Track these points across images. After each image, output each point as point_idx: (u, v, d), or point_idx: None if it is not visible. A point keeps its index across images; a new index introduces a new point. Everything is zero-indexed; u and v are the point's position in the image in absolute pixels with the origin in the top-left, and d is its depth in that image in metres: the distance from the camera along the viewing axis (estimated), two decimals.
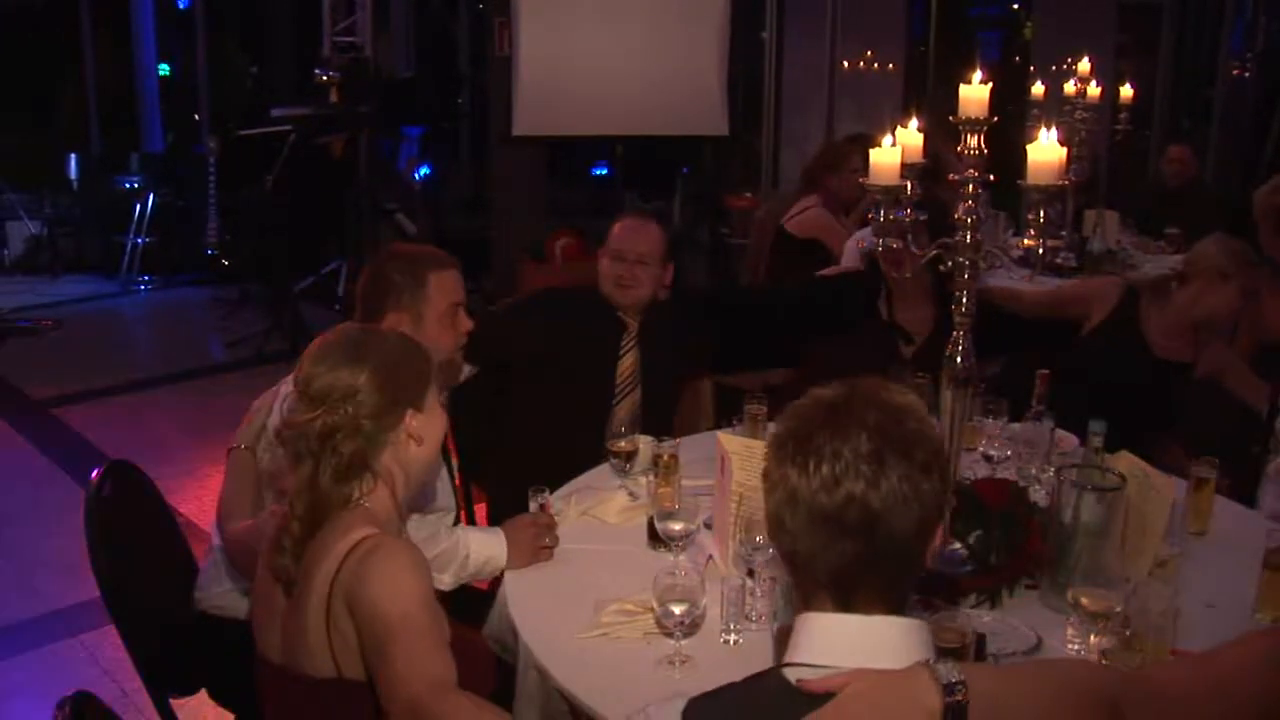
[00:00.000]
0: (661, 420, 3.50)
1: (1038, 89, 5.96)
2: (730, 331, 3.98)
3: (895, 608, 1.55)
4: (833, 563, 1.52)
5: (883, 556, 1.51)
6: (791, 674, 1.52)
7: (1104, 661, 2.18)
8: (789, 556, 1.57)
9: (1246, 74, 9.41)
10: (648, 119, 7.60)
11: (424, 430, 2.15)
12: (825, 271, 4.50)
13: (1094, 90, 5.83)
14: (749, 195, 8.12)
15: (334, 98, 8.80)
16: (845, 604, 1.54)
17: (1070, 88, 5.83)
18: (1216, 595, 2.57)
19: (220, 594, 2.83)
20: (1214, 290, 3.74)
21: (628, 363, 3.63)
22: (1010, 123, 2.60)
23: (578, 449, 3.30)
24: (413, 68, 11.22)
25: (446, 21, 12.08)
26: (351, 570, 1.92)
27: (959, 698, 1.43)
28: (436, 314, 2.97)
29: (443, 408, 2.24)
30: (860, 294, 3.83)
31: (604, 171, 8.74)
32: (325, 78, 8.85)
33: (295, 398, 2.10)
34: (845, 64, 8.95)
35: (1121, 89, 6.33)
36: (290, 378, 2.78)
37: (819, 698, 1.46)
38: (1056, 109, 5.88)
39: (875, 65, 9.24)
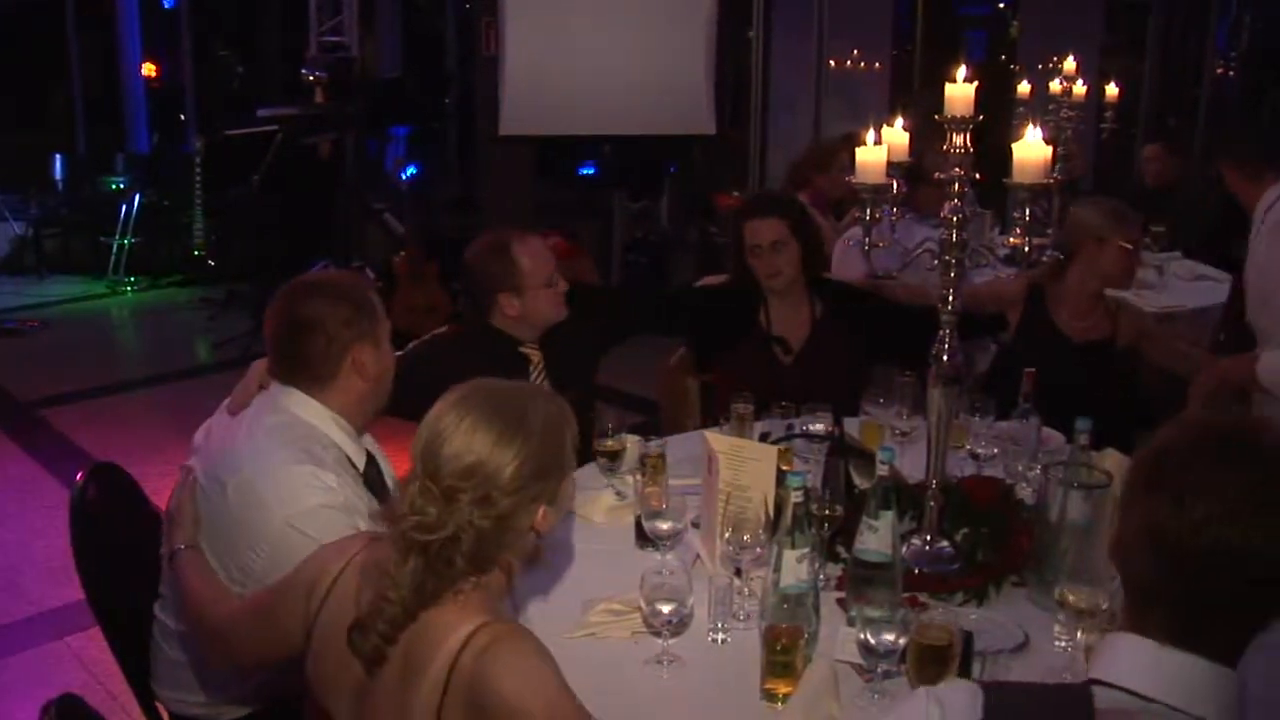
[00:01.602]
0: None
1: (1023, 88, 5.96)
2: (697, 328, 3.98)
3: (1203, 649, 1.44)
4: (1150, 576, 1.46)
5: (1221, 600, 1.42)
6: (1099, 694, 1.46)
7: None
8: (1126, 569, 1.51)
9: (1231, 73, 9.43)
10: (635, 118, 7.60)
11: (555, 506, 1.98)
12: (705, 280, 4.49)
13: (1079, 89, 5.82)
14: (737, 194, 8.12)
15: (320, 98, 8.78)
16: (1156, 630, 1.46)
17: (1056, 86, 5.84)
18: None
19: (193, 703, 2.68)
20: (1097, 255, 3.78)
21: None
22: (996, 121, 2.62)
23: None
24: (399, 68, 11.21)
25: (434, 21, 12.08)
26: (473, 664, 1.79)
27: None
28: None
29: None
30: (745, 304, 3.80)
31: (592, 171, 8.73)
32: (312, 78, 8.83)
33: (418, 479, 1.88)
34: (833, 63, 8.96)
35: (1107, 88, 6.34)
36: (224, 405, 2.68)
37: None
38: (1042, 108, 5.88)
39: (862, 64, 9.26)
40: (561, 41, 7.40)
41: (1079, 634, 2.27)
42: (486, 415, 1.86)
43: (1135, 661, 1.45)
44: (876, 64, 9.33)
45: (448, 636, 1.81)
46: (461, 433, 1.85)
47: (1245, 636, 1.43)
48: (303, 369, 2.55)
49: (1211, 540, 1.38)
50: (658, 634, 2.24)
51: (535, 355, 3.48)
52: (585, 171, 8.75)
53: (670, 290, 6.89)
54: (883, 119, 2.62)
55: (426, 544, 1.82)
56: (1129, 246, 3.79)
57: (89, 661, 4.14)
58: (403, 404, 2.57)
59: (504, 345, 3.44)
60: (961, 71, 2.44)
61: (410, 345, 3.39)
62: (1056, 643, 2.33)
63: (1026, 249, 2.35)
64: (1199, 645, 1.42)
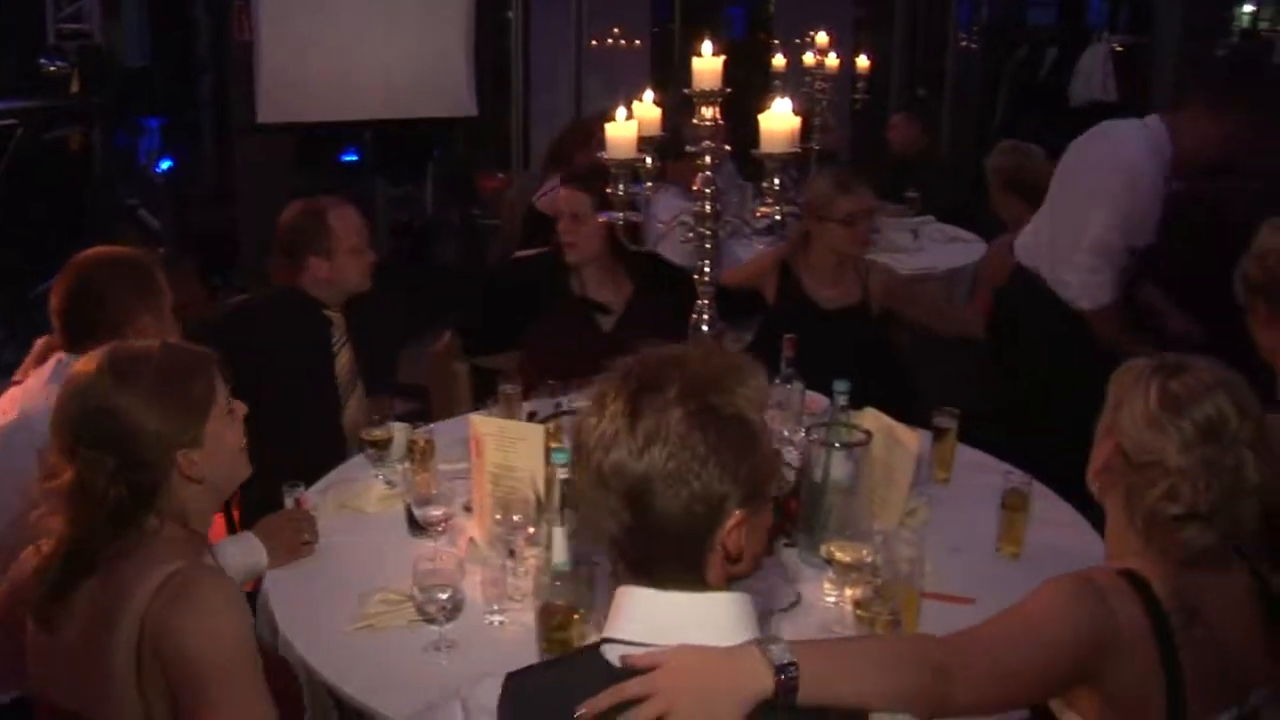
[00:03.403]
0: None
1: (778, 61, 6.11)
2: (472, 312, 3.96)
3: (692, 585, 1.50)
4: (612, 530, 1.50)
5: (653, 531, 1.47)
6: (610, 650, 1.50)
7: (858, 612, 2.25)
8: (580, 518, 1.59)
9: (974, 46, 9.87)
10: (395, 102, 7.48)
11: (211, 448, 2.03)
12: (520, 253, 4.49)
13: (832, 61, 6.02)
14: (501, 175, 8.08)
15: (63, 89, 8.34)
16: (640, 576, 1.51)
17: (809, 59, 6.01)
18: (962, 539, 2.69)
19: None
20: (825, 226, 3.90)
21: (344, 360, 3.54)
22: (756, 95, 2.68)
23: (321, 450, 3.26)
24: (148, 55, 10.74)
25: (182, 5, 11.59)
26: (162, 610, 1.79)
27: (791, 679, 1.44)
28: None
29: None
30: (558, 272, 3.80)
31: (353, 158, 8.53)
32: (54, 68, 8.38)
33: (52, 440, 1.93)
34: (594, 42, 8.98)
35: (858, 60, 6.55)
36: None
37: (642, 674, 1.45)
38: (797, 80, 6.05)
39: (623, 42, 9.30)
40: (317, 25, 7.20)
41: (847, 589, 2.34)
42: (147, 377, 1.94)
43: (630, 612, 1.52)
44: (637, 41, 9.39)
45: (137, 587, 1.82)
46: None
47: (697, 569, 1.50)
48: (88, 336, 2.61)
49: (612, 465, 1.47)
50: (433, 620, 2.22)
51: (338, 319, 3.55)
52: (346, 158, 8.54)
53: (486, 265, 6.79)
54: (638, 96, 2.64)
55: (67, 492, 1.88)
56: (850, 219, 3.87)
57: None
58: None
59: (309, 307, 3.53)
60: (708, 46, 2.46)
61: (217, 315, 3.56)
62: (827, 598, 2.41)
63: (778, 217, 2.40)
64: (656, 580, 1.50)
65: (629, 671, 1.45)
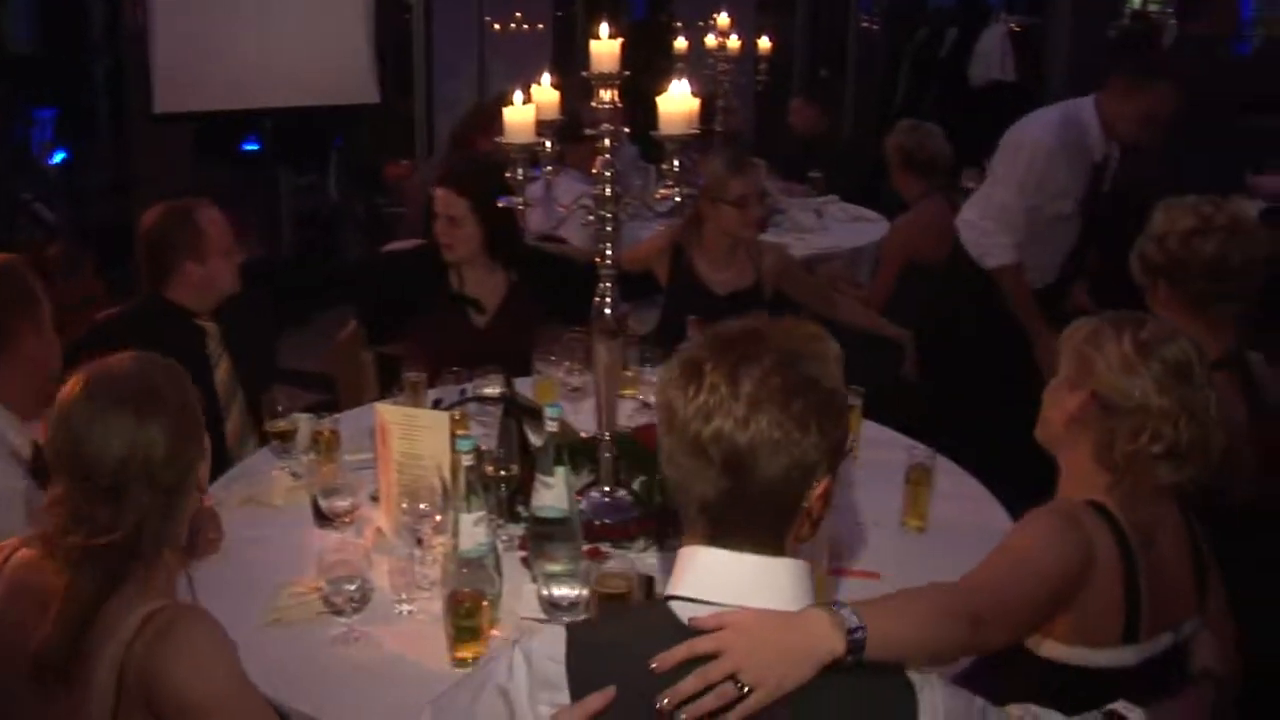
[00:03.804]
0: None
1: (680, 44, 6.12)
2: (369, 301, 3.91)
3: (769, 549, 1.54)
4: (704, 494, 1.52)
5: (748, 497, 1.51)
6: (678, 607, 1.53)
7: None
8: (670, 482, 1.58)
9: (875, 27, 9.96)
10: (295, 90, 7.37)
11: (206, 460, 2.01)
12: (394, 245, 4.46)
13: (734, 43, 6.04)
14: (405, 162, 8.00)
15: None
16: (718, 538, 1.54)
17: (711, 41, 6.02)
18: (868, 514, 2.73)
19: None
20: (716, 209, 3.89)
21: (222, 371, 3.40)
22: (659, 78, 2.68)
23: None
24: (38, 43, 10.45)
25: None
26: (146, 652, 1.74)
27: (859, 640, 1.48)
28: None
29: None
30: (433, 266, 3.77)
31: (255, 147, 8.38)
32: None
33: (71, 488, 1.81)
34: (496, 26, 8.92)
35: (760, 42, 6.57)
36: None
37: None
38: (699, 62, 6.06)
39: (525, 26, 9.25)
40: (214, 11, 7.07)
41: None
42: (116, 400, 1.83)
43: (697, 571, 1.55)
44: (539, 25, 9.34)
45: (119, 625, 1.76)
46: (98, 428, 1.80)
47: (777, 534, 1.54)
48: None
49: (713, 431, 1.50)
50: (341, 612, 2.20)
51: (211, 328, 3.40)
52: (248, 148, 8.39)
53: (358, 258, 6.72)
54: (554, 78, 2.63)
55: (107, 546, 1.77)
56: (742, 200, 3.87)
57: None
58: None
59: (179, 319, 3.35)
60: (604, 29, 2.46)
61: (82, 335, 3.25)
62: None
63: (679, 199, 2.40)
64: (732, 543, 1.54)
65: (697, 630, 1.49)
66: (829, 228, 5.97)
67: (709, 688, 1.45)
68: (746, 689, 1.45)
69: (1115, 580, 1.96)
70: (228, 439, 3.33)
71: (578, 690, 1.50)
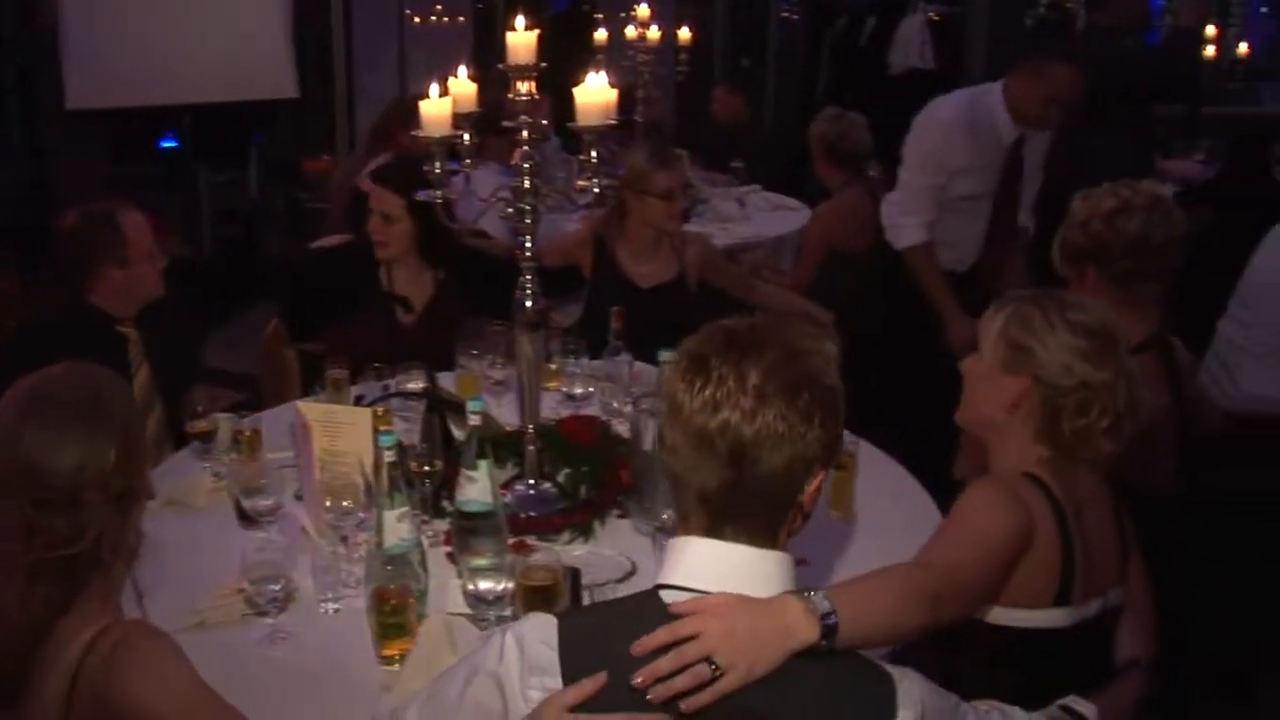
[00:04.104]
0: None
1: (600, 35, 6.12)
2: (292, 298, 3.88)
3: (762, 540, 1.57)
4: (705, 485, 1.55)
5: (749, 489, 1.54)
6: (668, 595, 1.57)
7: None
8: (670, 473, 1.61)
9: (795, 16, 10.00)
10: (213, 85, 7.29)
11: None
12: (323, 241, 4.43)
13: (654, 34, 6.04)
14: (326, 157, 7.93)
15: None
16: (714, 529, 1.57)
17: (632, 32, 6.02)
18: None
19: None
20: (639, 202, 3.90)
21: (142, 379, 3.33)
22: (580, 70, 2.68)
23: None
24: None
25: None
26: (100, 669, 1.71)
27: (831, 625, 1.52)
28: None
29: None
30: (364, 263, 3.75)
31: (173, 144, 8.25)
32: None
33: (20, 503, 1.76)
34: (416, 19, 8.86)
35: (680, 32, 6.59)
36: None
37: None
38: (620, 53, 6.06)
39: (445, 18, 9.19)
40: (126, 4, 6.97)
41: None
42: (62, 413, 1.81)
43: (687, 560, 1.60)
44: (460, 17, 9.29)
45: (69, 642, 1.74)
46: (49, 442, 1.77)
47: (772, 526, 1.58)
48: None
49: (719, 423, 1.54)
50: (265, 613, 2.18)
51: (133, 334, 3.33)
52: (165, 145, 8.26)
53: (285, 254, 6.64)
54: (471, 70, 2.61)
55: (69, 558, 1.75)
56: (668, 193, 3.88)
57: None
58: None
59: (99, 325, 3.27)
60: (520, 20, 2.45)
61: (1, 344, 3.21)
62: None
63: (597, 190, 2.41)
64: (729, 534, 1.58)
65: (678, 616, 1.52)
66: (751, 217, 6.02)
67: (684, 668, 1.48)
68: (719, 671, 1.48)
69: (1052, 544, 2.02)
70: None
71: (570, 674, 1.54)
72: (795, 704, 1.52)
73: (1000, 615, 2.04)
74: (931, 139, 4.27)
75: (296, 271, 4.01)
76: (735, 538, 1.57)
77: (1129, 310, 2.71)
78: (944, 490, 2.23)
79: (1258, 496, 3.56)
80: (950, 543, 1.95)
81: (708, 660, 1.48)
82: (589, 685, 1.52)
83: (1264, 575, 3.49)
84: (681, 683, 1.48)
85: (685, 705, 1.50)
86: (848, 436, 2.75)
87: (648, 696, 1.49)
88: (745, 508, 1.56)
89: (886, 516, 2.65)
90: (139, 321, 3.34)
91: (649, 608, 1.57)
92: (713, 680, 1.48)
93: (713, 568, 1.57)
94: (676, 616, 1.52)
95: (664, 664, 1.49)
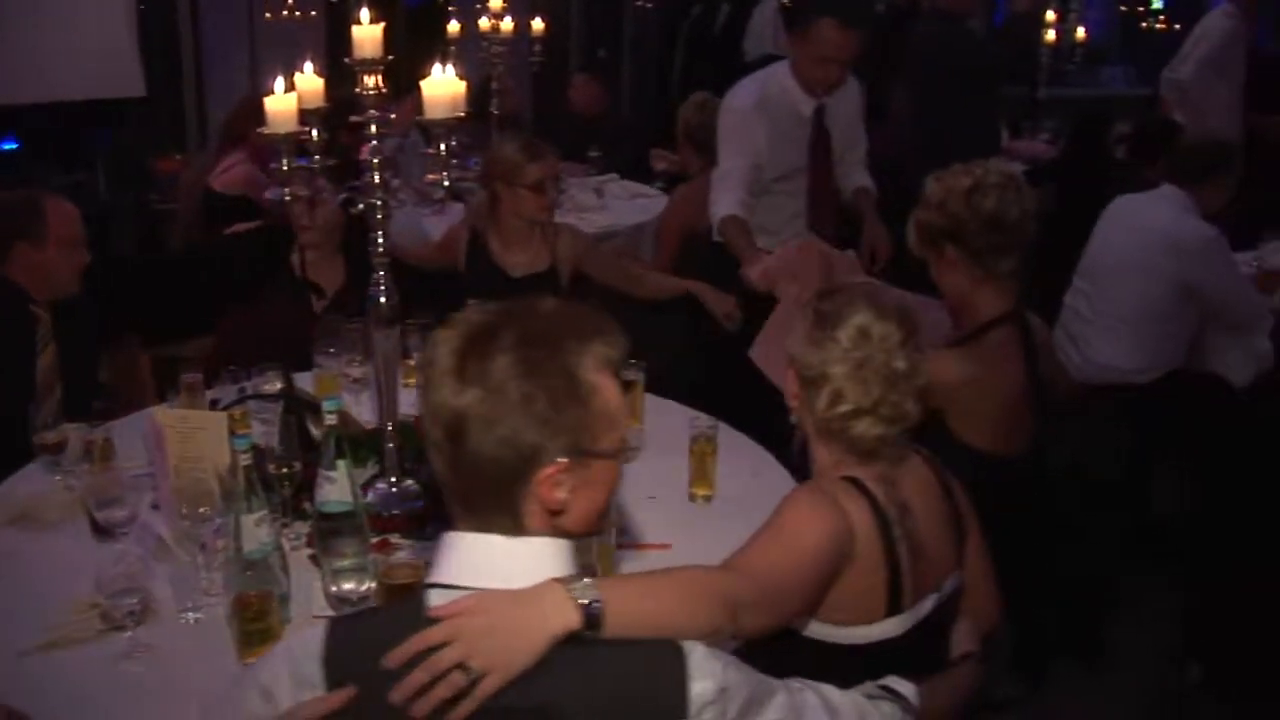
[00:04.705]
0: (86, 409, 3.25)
1: (453, 27, 6.08)
2: (156, 301, 3.80)
3: (511, 529, 1.54)
4: (439, 469, 1.54)
5: (465, 472, 1.52)
6: (432, 594, 1.53)
7: None
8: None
9: (649, 5, 10.05)
10: (55, 84, 7.04)
11: None
12: (237, 227, 4.38)
13: (508, 25, 6.03)
14: (178, 157, 7.74)
15: None
16: (468, 520, 1.56)
17: (485, 24, 6.00)
18: (656, 486, 2.77)
19: None
20: (509, 193, 3.89)
21: (47, 359, 3.37)
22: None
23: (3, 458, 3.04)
24: None
25: None
26: None
27: (595, 613, 1.48)
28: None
29: None
30: (275, 249, 3.73)
31: (14, 146, 7.98)
32: None
33: None
34: (268, 15, 8.71)
35: (534, 23, 6.58)
36: None
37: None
38: (474, 45, 6.04)
39: (298, 13, 9.05)
40: None
41: None
42: None
43: (450, 555, 1.57)
44: (312, 11, 9.15)
45: None
46: None
47: (512, 512, 1.54)
48: None
49: (435, 403, 1.54)
50: (122, 627, 2.13)
51: (44, 316, 3.39)
52: (7, 146, 7.99)
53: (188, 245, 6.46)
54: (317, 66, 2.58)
55: None
56: (539, 185, 3.87)
57: None
58: None
59: (12, 297, 3.36)
60: (365, 13, 2.43)
61: None
62: None
63: (447, 184, 2.40)
64: (478, 522, 1.56)
65: (436, 620, 1.48)
66: (609, 206, 6.04)
67: (440, 677, 1.45)
68: (479, 674, 1.44)
69: (875, 554, 1.96)
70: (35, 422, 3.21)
71: (334, 687, 1.50)
72: (570, 692, 1.48)
73: (830, 633, 1.99)
74: (731, 124, 4.27)
75: (181, 267, 3.96)
76: (485, 528, 1.54)
77: (988, 286, 2.81)
78: (805, 473, 2.26)
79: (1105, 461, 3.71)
80: (762, 549, 1.88)
81: (462, 666, 1.44)
82: (334, 698, 1.49)
83: (1110, 537, 3.65)
84: (440, 693, 1.45)
85: (451, 717, 1.46)
86: (706, 420, 2.80)
87: (410, 712, 1.46)
88: (476, 494, 1.54)
89: (748, 497, 2.67)
90: (54, 309, 3.41)
91: (413, 611, 1.53)
92: (473, 685, 1.45)
93: (475, 561, 1.55)
94: (435, 621, 1.48)
95: (415, 678, 1.45)
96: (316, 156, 2.54)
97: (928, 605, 2.05)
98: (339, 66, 2.57)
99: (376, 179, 2.42)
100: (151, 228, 7.28)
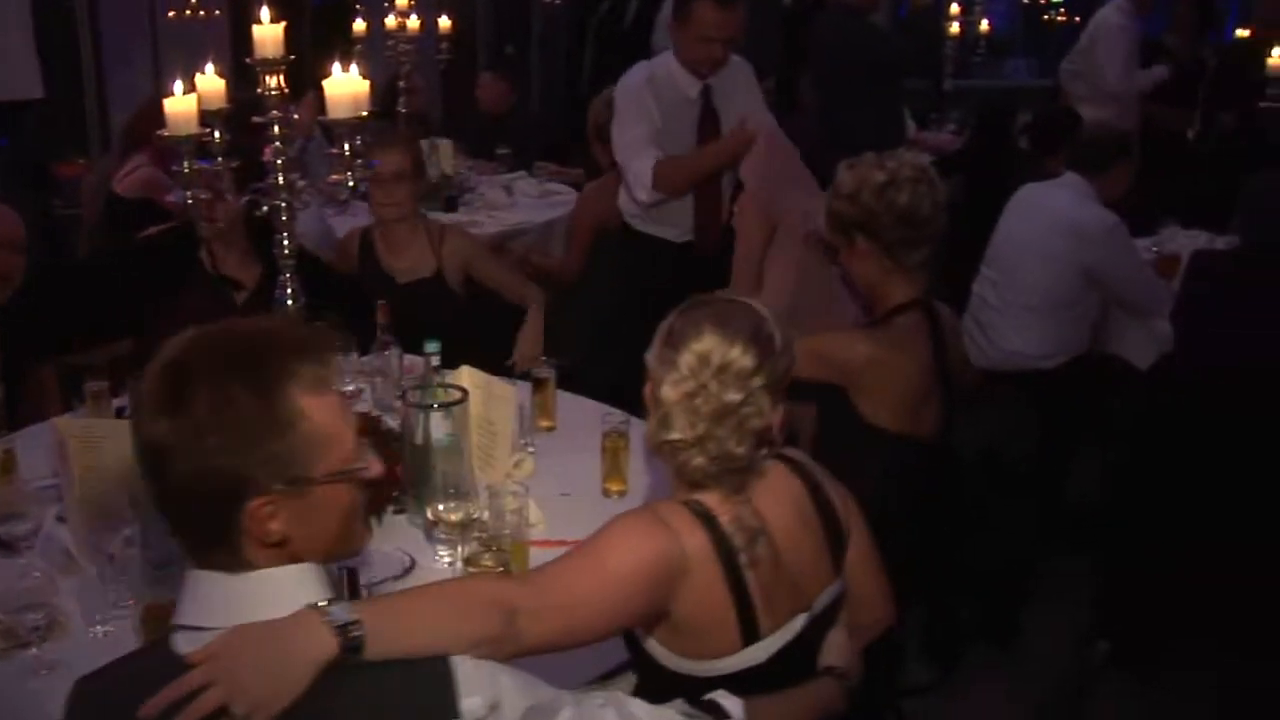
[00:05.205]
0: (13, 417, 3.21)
1: (359, 26, 6.05)
2: (68, 307, 3.73)
3: (236, 566, 1.47)
4: (152, 502, 1.49)
5: (168, 505, 1.47)
6: (180, 638, 1.47)
7: (469, 569, 2.29)
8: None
9: (558, 2, 10.04)
10: None
11: None
12: (150, 231, 4.30)
13: (414, 23, 6.01)
14: (81, 161, 7.59)
15: None
16: (189, 555, 1.50)
17: (392, 21, 5.97)
18: (570, 483, 2.79)
19: None
20: (403, 185, 3.82)
21: None
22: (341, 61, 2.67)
23: None
24: None
25: None
26: None
27: (354, 637, 1.43)
28: None
29: None
30: (186, 248, 3.66)
31: None
32: None
33: None
34: (170, 13, 8.58)
35: (441, 21, 6.56)
36: None
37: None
38: (380, 44, 6.01)
39: (201, 12, 8.92)
40: None
41: (459, 547, 2.37)
42: None
43: (196, 596, 1.51)
44: (216, 11, 9.03)
45: None
46: None
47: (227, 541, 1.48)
48: None
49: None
50: (27, 644, 2.09)
51: None
52: None
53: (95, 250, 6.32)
54: (218, 66, 2.55)
55: None
56: (377, 178, 3.71)
57: None
58: None
59: None
60: (265, 12, 2.41)
61: None
62: (441, 560, 2.41)
63: (351, 184, 2.39)
64: (210, 561, 1.49)
65: (192, 665, 1.42)
66: (519, 204, 6.03)
67: None
68: (243, 715, 1.39)
69: (714, 581, 1.85)
70: None
71: None
72: (338, 719, 1.44)
73: (693, 667, 1.90)
74: (625, 100, 4.29)
75: (93, 273, 3.90)
76: (208, 564, 1.48)
77: (898, 276, 2.84)
78: None
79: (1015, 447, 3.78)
80: (564, 562, 1.80)
81: (224, 711, 1.38)
82: None
83: (1023, 523, 3.71)
84: None
85: None
86: (618, 415, 2.81)
87: None
88: (187, 528, 1.49)
89: (662, 492, 2.65)
90: None
91: (160, 658, 1.46)
92: None
93: (215, 599, 1.48)
94: (191, 666, 1.41)
95: None
96: (219, 158, 2.51)
97: (798, 624, 1.96)
98: (243, 67, 2.55)
99: (280, 180, 2.40)
100: (54, 234, 7.12)
